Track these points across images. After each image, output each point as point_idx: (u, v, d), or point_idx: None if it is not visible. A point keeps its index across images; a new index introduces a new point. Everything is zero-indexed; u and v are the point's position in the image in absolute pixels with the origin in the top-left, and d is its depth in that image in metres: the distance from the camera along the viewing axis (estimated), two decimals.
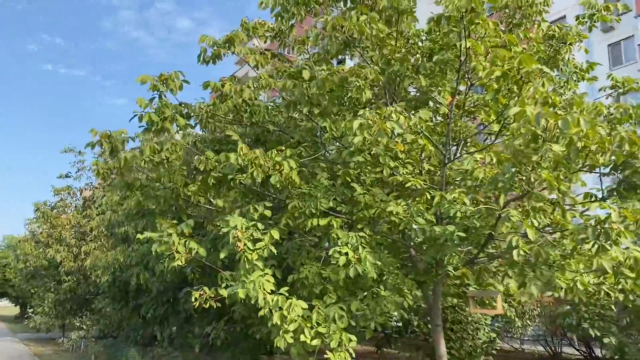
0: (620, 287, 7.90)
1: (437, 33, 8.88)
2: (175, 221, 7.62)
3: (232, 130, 7.85)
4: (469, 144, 9.28)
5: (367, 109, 6.75)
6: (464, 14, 6.70)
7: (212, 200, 9.39)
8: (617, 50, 32.37)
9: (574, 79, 10.84)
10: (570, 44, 9.79)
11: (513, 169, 5.60)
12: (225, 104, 7.56)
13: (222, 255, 7.14)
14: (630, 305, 8.90)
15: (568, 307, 13.14)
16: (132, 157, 7.42)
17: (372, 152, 7.46)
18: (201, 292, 7.10)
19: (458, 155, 9.09)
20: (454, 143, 8.69)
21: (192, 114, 8.10)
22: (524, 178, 6.33)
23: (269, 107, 8.16)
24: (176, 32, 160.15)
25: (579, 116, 5.35)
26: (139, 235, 7.54)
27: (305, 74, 7.25)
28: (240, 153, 6.71)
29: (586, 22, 9.88)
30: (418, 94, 9.54)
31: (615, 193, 7.88)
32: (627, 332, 10.15)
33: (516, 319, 13.81)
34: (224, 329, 11.49)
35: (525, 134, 5.26)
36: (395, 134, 7.27)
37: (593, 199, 8.25)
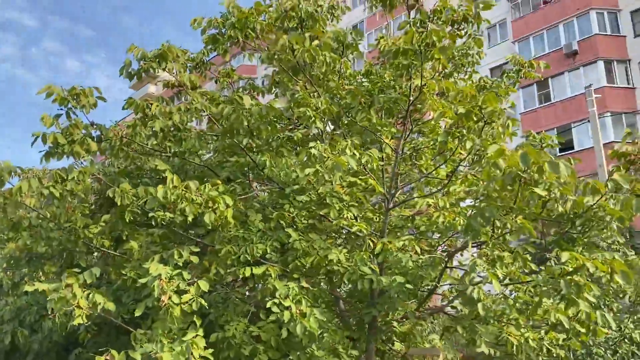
0: (561, 342, 7.67)
1: (375, 76, 8.51)
2: (76, 269, 6.21)
3: (159, 160, 6.67)
4: (413, 189, 8.83)
5: (318, 142, 6.00)
6: (422, 48, 6.29)
7: (117, 243, 8.03)
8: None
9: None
10: (500, 95, 9.89)
11: (489, 214, 5.07)
12: (149, 124, 6.42)
13: (137, 312, 5.84)
14: None
15: None
16: (25, 187, 5.96)
17: (318, 192, 6.66)
18: (107, 356, 5.70)
19: (396, 202, 8.57)
20: (397, 188, 8.15)
21: (103, 137, 6.84)
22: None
23: (201, 136, 7.13)
24: (64, 73, 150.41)
25: (560, 161, 5.01)
26: (27, 287, 6.02)
27: (246, 100, 6.39)
28: (169, 186, 5.60)
29: (514, 76, 10.11)
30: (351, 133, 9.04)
31: (556, 245, 7.76)
32: None
33: None
34: None
35: (508, 175, 4.76)
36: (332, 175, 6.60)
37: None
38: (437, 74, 7.23)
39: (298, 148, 8.69)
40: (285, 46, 6.29)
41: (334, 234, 8.65)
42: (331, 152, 5.84)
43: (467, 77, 9.85)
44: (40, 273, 9.07)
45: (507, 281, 6.57)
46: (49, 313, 6.75)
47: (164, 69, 6.74)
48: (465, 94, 6.10)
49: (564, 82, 31.81)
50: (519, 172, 4.81)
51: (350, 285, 8.76)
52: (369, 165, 6.55)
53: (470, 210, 8.02)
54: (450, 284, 8.46)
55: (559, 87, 32.06)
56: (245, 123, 6.32)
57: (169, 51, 6.61)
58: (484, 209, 4.97)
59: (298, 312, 6.34)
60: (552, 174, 5.03)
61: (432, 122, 7.76)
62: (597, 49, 30.23)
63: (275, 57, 6.54)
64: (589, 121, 19.87)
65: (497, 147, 4.90)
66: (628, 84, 30.15)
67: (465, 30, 7.82)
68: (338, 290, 9.32)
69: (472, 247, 7.21)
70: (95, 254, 9.30)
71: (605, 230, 6.88)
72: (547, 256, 7.88)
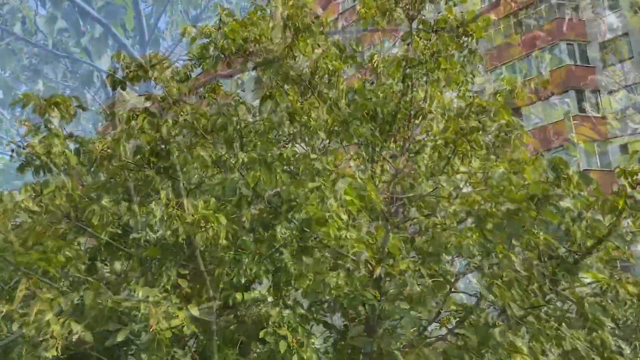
0: None
1: (370, 92, 8.20)
2: (50, 295, 5.57)
3: (151, 171, 6.14)
4: (408, 209, 8.43)
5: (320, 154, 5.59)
6: (427, 58, 5.99)
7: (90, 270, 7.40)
8: None
9: None
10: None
11: (510, 230, 4.71)
12: (135, 137, 5.92)
13: (119, 337, 5.24)
14: None
15: None
16: None
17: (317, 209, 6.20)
18: None
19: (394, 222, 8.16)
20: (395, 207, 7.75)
21: (82, 150, 6.27)
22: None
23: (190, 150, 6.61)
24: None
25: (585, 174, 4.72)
26: None
27: (241, 110, 5.95)
28: (164, 200, 5.08)
29: (507, 95, 9.93)
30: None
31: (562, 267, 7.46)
32: None
33: None
34: None
35: (535, 186, 4.41)
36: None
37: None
38: (435, 87, 6.99)
39: (285, 166, 8.26)
40: (286, 52, 5.92)
41: (321, 257, 8.21)
42: (335, 165, 5.44)
43: (461, 94, 9.63)
44: (4, 301, 8.34)
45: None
46: (14, 343, 6.09)
47: (151, 78, 6.24)
48: (474, 105, 5.80)
49: (537, 111, 32.33)
50: (544, 183, 4.48)
51: (340, 312, 8.31)
52: (372, 181, 6.16)
53: (469, 232, 7.71)
54: (448, 311, 8.05)
55: (531, 116, 32.58)
56: (240, 135, 5.87)
57: (157, 59, 6.14)
58: (505, 224, 4.60)
59: (295, 341, 5.83)
60: (576, 188, 4.73)
61: (433, 139, 7.44)
62: (569, 79, 30.90)
63: (274, 62, 6.15)
64: (568, 147, 20.03)
65: (520, 155, 4.58)
66: (598, 113, 30.80)
67: (466, 44, 7.58)
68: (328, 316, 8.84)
69: (471, 270, 6.86)
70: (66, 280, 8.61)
71: (616, 251, 6.58)
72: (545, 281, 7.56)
